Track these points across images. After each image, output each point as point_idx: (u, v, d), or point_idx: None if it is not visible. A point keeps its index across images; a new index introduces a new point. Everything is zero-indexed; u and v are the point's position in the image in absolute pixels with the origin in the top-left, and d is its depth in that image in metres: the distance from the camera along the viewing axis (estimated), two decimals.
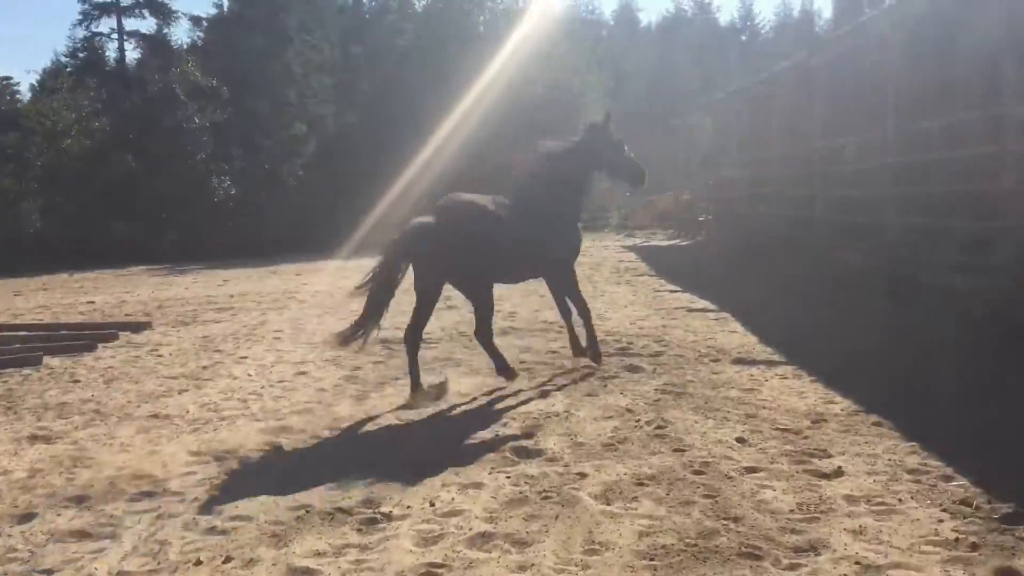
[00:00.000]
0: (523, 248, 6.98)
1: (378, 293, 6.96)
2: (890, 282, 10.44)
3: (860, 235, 11.73)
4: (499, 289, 13.83)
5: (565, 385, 6.86)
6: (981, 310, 8.34)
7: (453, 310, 11.59)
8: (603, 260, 19.00)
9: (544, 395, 6.54)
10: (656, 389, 6.53)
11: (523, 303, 11.98)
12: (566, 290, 7.63)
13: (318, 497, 4.41)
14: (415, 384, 6.69)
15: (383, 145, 32.06)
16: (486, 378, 7.21)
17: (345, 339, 6.94)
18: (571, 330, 7.69)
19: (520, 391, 6.72)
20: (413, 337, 7.10)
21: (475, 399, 6.52)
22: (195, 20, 41.39)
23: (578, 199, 7.50)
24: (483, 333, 7.14)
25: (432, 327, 10.16)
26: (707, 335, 8.84)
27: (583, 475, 4.58)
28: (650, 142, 48.16)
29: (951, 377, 6.50)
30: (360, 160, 31.98)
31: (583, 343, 7.56)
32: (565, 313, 7.74)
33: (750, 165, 20.23)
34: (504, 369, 6.99)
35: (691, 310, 10.64)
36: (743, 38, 77.63)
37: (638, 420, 5.64)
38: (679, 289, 12.89)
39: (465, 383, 7.06)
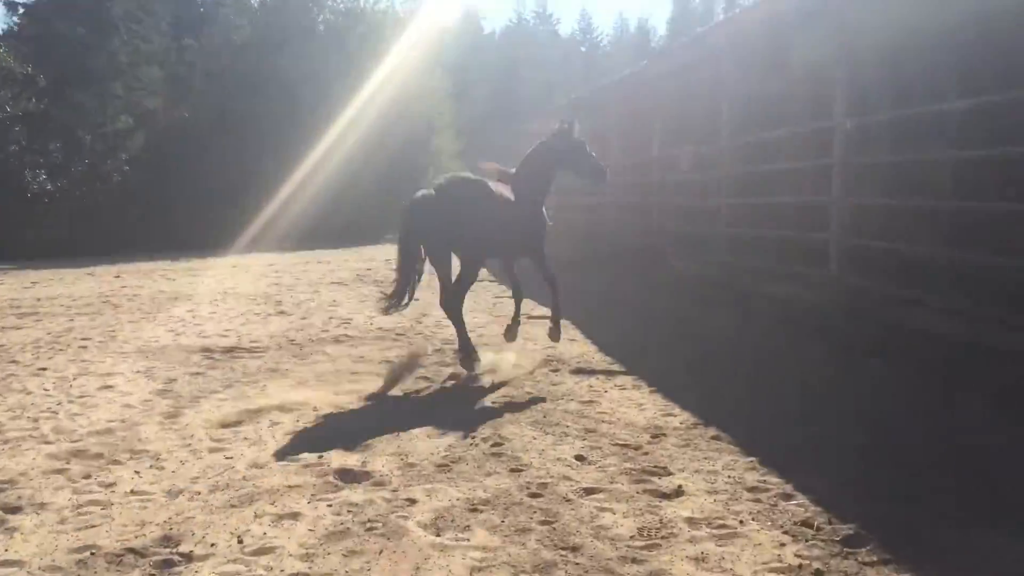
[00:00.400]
0: (513, 227, 7.78)
1: (405, 262, 7.75)
2: (724, 292, 10.59)
3: (696, 245, 11.90)
4: (335, 294, 13.43)
5: (399, 397, 6.47)
6: (812, 321, 8.53)
7: (283, 316, 11.00)
8: None
9: (376, 409, 6.14)
10: (494, 401, 6.25)
11: (359, 309, 11.51)
12: (545, 267, 8.39)
13: (106, 535, 3.85)
14: (468, 350, 7.53)
15: (219, 142, 30.74)
16: (315, 390, 6.73)
17: (385, 308, 7.69)
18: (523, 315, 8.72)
19: (351, 404, 6.28)
20: (449, 304, 7.93)
21: (300, 415, 6.03)
22: (10, 5, 38.34)
23: (545, 191, 8.21)
24: (454, 304, 7.93)
25: (260, 333, 9.61)
26: (546, 344, 8.65)
27: (413, 501, 4.21)
28: (492, 148, 48.56)
29: (785, 388, 6.54)
30: (194, 158, 30.51)
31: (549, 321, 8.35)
32: (519, 297, 8.78)
33: None
34: (463, 349, 7.52)
35: (531, 317, 10.46)
36: (583, 49, 79.81)
37: (474, 436, 5.33)
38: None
39: (292, 396, 6.55)
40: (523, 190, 7.92)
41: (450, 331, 9.32)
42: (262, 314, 11.26)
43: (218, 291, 14.24)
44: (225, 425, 5.78)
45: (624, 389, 6.60)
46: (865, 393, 6.42)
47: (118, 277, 17.50)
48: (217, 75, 33.50)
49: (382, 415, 5.96)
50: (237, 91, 32.33)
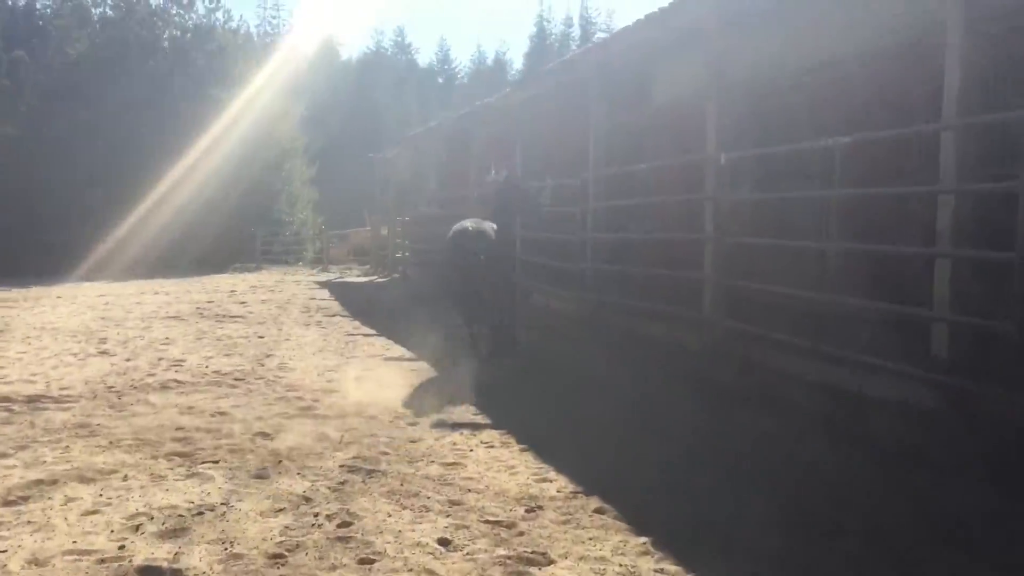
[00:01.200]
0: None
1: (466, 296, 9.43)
2: (594, 331, 10.08)
3: (564, 281, 11.37)
4: (168, 331, 12.16)
5: (230, 463, 5.51)
6: (687, 364, 8.07)
7: (104, 357, 9.75)
8: (293, 297, 17.59)
9: (200, 477, 5.17)
10: (343, 466, 5.39)
11: (194, 348, 10.36)
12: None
13: None
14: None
15: (52, 163, 28.48)
16: (129, 453, 5.69)
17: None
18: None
19: (171, 471, 5.29)
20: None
21: (105, 487, 4.99)
22: None
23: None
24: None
25: (74, 378, 8.40)
26: (405, 389, 7.85)
27: None
28: (346, 175, 47.43)
29: (666, 447, 5.95)
30: (23, 179, 28.13)
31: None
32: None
33: (448, 203, 19.74)
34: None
35: (387, 359, 9.62)
36: (440, 80, 79.66)
37: (317, 514, 4.46)
38: (374, 333, 11.85)
39: (99, 460, 5.49)
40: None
41: (294, 377, 8.47)
42: (80, 354, 9.95)
43: (34, 326, 12.70)
44: (7, 502, 4.70)
45: (492, 447, 5.86)
46: (749, 451, 5.90)
47: None
48: (50, 91, 31.12)
49: (205, 484, 5.00)
50: (72, 109, 30.10)
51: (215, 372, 8.74)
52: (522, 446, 5.84)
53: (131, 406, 7.19)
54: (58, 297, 17.84)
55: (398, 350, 10.22)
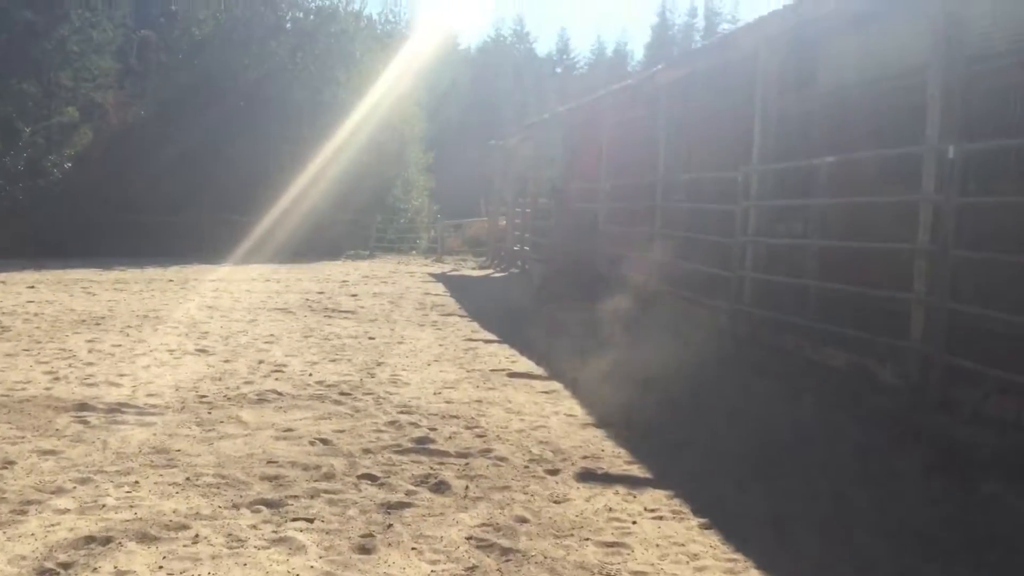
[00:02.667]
0: None
1: None
2: (751, 352, 8.61)
3: (713, 288, 9.92)
4: (274, 326, 11.25)
5: (328, 522, 4.33)
6: (882, 402, 6.54)
7: (202, 356, 8.84)
8: (406, 291, 16.56)
9: (288, 544, 4.00)
10: (470, 538, 4.13)
11: (298, 350, 9.35)
12: None
13: None
14: None
15: (173, 143, 28.37)
16: (206, 497, 4.59)
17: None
18: None
19: (247, 532, 4.14)
20: None
21: (170, 551, 3.87)
22: None
23: None
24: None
25: (164, 382, 7.49)
26: (537, 420, 6.55)
27: None
28: (463, 164, 46.72)
29: (910, 544, 4.49)
30: (144, 158, 28.09)
31: None
32: None
33: (575, 196, 18.44)
34: None
35: (513, 374, 8.35)
36: (558, 70, 78.44)
37: None
38: (496, 339, 10.61)
39: (168, 508, 4.40)
40: None
41: (408, 393, 7.32)
42: (177, 351, 9.06)
43: (137, 313, 12.00)
44: (42, 572, 3.62)
45: (660, 518, 4.49)
46: None
47: (32, 287, 15.18)
48: (175, 71, 31.15)
49: (294, 558, 3.82)
50: (197, 90, 29.99)
51: (319, 383, 7.64)
52: (701, 520, 4.46)
53: (220, 424, 6.13)
54: (169, 281, 17.34)
55: (524, 363, 8.96)
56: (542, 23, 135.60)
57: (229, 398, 6.96)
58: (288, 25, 33.33)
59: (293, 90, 30.48)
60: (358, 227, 30.16)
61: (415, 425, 6.26)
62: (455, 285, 18.26)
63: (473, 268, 24.31)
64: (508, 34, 79.07)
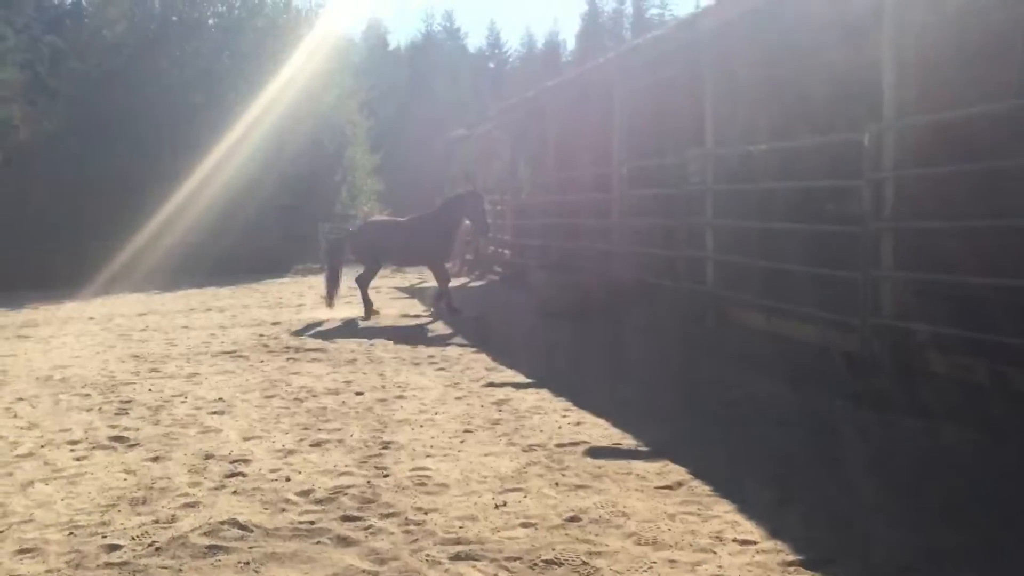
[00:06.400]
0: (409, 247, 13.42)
1: (332, 270, 13.36)
2: (914, 394, 6.02)
3: (823, 298, 7.31)
4: (224, 384, 8.31)
5: None
6: None
7: (114, 454, 5.91)
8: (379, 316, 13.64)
9: None
10: None
11: (261, 424, 6.44)
12: (440, 276, 13.16)
13: None
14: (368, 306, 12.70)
15: (95, 154, 25.14)
16: None
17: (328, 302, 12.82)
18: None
19: None
20: (362, 281, 13.32)
21: None
22: None
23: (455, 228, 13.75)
24: (362, 280, 13.37)
25: (49, 519, 4.53)
26: (693, 558, 3.84)
27: None
28: (407, 164, 43.92)
29: None
30: (64, 176, 24.79)
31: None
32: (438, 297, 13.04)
33: (563, 187, 15.73)
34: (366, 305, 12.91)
35: (594, 451, 5.57)
36: (491, 65, 76.50)
37: None
38: (527, 381, 7.81)
39: None
40: (436, 225, 13.20)
41: (451, 506, 4.43)
42: (84, 442, 6.11)
43: (38, 374, 8.99)
44: None
45: None
46: None
47: None
48: (86, 78, 27.66)
49: None
50: (111, 97, 26.63)
51: (304, 496, 4.80)
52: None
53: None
54: (90, 318, 14.19)
55: (595, 425, 6.19)
56: (471, 17, 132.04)
57: (159, 549, 4.11)
58: (211, 21, 30.06)
59: (220, 93, 27.36)
60: (305, 238, 27.17)
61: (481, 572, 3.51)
62: (433, 299, 15.37)
63: None
64: (438, 30, 76.58)
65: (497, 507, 4.53)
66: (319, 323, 12.50)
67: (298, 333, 11.54)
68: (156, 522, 4.46)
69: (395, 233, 13.70)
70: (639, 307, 10.77)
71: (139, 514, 4.59)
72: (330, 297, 13.26)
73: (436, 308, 13.20)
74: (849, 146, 6.90)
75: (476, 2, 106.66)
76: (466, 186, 19.56)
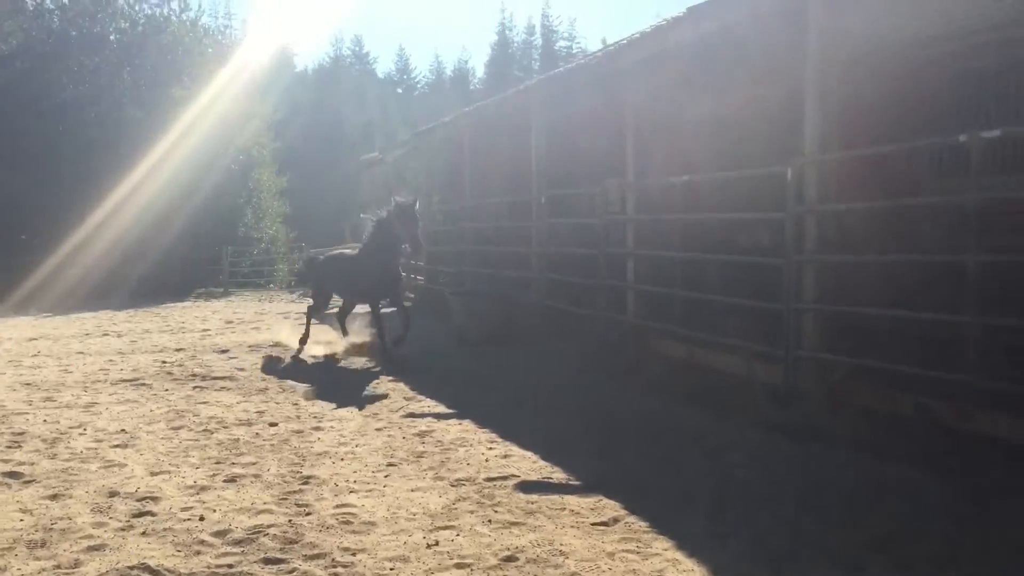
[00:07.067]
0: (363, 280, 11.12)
1: (317, 297, 12.39)
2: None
3: (746, 328, 7.35)
4: (125, 415, 7.83)
5: None
6: None
7: (7, 491, 5.48)
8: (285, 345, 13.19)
9: None
10: None
11: (168, 459, 6.08)
12: (374, 309, 11.22)
13: None
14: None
15: None
16: None
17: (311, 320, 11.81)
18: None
19: None
20: (311, 313, 12.10)
21: None
22: None
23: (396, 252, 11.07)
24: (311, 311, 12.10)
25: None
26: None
27: None
28: (312, 188, 43.29)
29: None
30: None
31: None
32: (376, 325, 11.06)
33: (483, 213, 15.61)
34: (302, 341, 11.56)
35: (524, 486, 5.39)
36: (399, 91, 76.46)
37: None
38: (448, 411, 7.63)
39: None
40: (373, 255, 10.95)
41: (381, 546, 4.20)
42: None
43: None
44: None
45: None
46: None
47: None
48: None
49: None
50: (2, 113, 25.43)
51: (220, 536, 4.50)
52: None
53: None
54: None
55: (522, 459, 6.02)
56: (380, 42, 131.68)
57: None
58: (113, 37, 29.03)
59: (121, 110, 26.45)
60: (207, 261, 26.34)
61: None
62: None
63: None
64: (347, 54, 76.06)
65: (429, 546, 4.31)
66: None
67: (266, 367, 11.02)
68: (57, 567, 4.10)
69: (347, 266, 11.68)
70: (558, 336, 10.69)
71: (38, 559, 4.22)
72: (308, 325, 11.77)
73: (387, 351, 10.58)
74: (772, 179, 6.97)
75: (385, 27, 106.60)
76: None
